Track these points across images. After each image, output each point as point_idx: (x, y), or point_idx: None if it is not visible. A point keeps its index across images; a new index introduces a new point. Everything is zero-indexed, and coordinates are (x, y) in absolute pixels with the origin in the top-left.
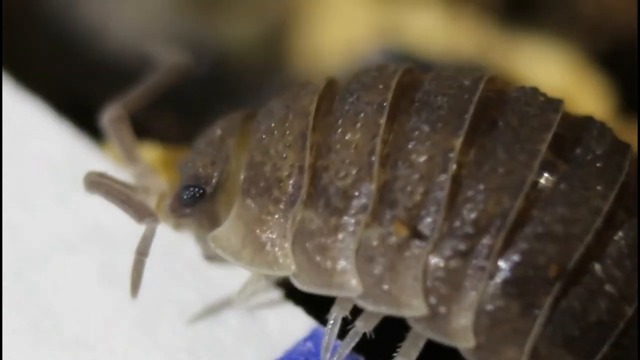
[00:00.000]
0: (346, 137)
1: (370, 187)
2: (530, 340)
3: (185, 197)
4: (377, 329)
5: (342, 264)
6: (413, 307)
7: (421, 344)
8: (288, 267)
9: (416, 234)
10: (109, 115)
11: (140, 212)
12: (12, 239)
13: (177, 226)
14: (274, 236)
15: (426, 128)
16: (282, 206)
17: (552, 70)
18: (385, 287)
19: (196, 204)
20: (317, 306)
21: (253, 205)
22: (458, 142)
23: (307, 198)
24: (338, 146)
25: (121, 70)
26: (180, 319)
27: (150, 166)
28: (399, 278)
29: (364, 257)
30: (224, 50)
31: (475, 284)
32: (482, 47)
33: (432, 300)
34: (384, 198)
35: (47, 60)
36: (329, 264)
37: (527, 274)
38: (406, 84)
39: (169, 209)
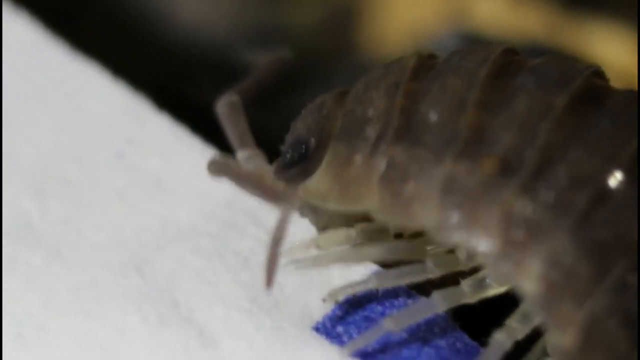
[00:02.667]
0: (446, 84)
1: (463, 125)
2: (590, 303)
3: (288, 157)
4: None
5: (425, 194)
6: (486, 242)
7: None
8: (372, 201)
9: (505, 174)
10: (224, 102)
11: (275, 196)
12: (72, 197)
13: (286, 194)
14: (359, 173)
15: (532, 86)
16: (370, 145)
17: (618, 51)
18: (465, 219)
19: (299, 163)
20: None
21: (342, 147)
22: (561, 101)
23: (396, 135)
24: (435, 90)
25: (187, 57)
26: (242, 268)
27: (259, 151)
28: (478, 213)
29: (448, 190)
30: (290, 37)
31: (554, 235)
32: (548, 29)
33: (506, 240)
34: (477, 137)
35: (113, 44)
36: (413, 194)
37: (609, 240)
38: (513, 56)
39: (275, 174)
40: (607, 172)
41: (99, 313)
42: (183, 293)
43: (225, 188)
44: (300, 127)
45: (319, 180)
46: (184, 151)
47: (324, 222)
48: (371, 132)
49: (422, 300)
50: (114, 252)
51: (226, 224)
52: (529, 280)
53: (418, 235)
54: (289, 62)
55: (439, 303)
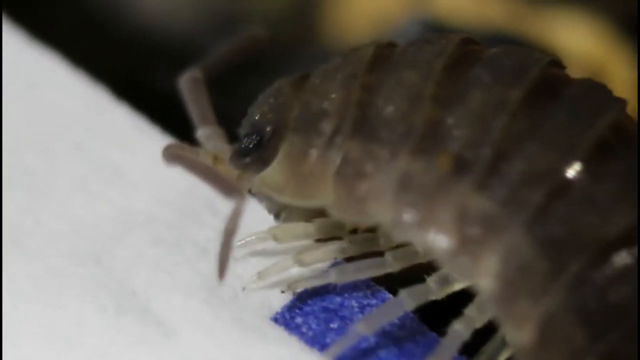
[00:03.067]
0: (401, 77)
1: (418, 120)
2: (546, 300)
3: (243, 145)
4: None
5: (380, 191)
6: (441, 240)
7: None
8: (327, 196)
9: (460, 171)
10: (187, 77)
11: (227, 188)
12: (31, 187)
13: (239, 180)
14: (315, 169)
15: (487, 79)
16: (325, 139)
17: (582, 40)
18: (420, 217)
19: (254, 151)
20: None
21: (298, 140)
22: (515, 94)
23: (352, 130)
24: (391, 84)
25: (148, 45)
26: (200, 258)
27: (220, 129)
28: (434, 209)
29: (403, 187)
30: (252, 24)
31: (510, 232)
32: (511, 17)
33: (463, 237)
34: (432, 133)
35: (76, 32)
36: (368, 191)
37: (565, 236)
38: (471, 46)
39: (229, 161)
40: (563, 166)
41: (57, 302)
42: (141, 283)
43: (184, 178)
44: (257, 114)
45: (274, 172)
46: (143, 141)
47: (279, 210)
48: (327, 125)
49: (390, 300)
50: (73, 241)
51: (184, 213)
52: (485, 278)
53: (374, 229)
54: (265, 41)
55: (407, 302)
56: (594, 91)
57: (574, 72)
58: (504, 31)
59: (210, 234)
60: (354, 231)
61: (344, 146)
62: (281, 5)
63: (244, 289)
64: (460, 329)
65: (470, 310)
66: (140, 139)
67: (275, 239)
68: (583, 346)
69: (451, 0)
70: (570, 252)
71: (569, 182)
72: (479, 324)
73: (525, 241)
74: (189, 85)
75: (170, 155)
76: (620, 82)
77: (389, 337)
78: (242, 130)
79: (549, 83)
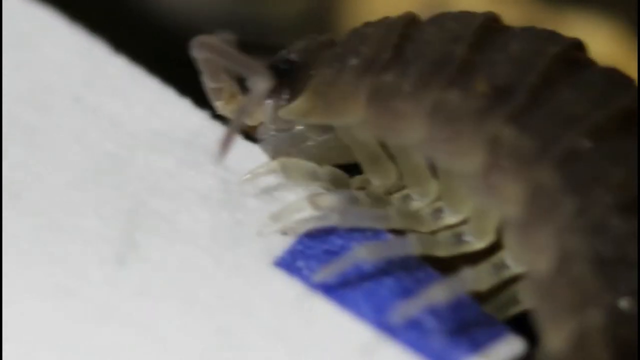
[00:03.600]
0: (443, 24)
1: (457, 53)
2: (568, 235)
3: (275, 68)
4: None
5: (415, 111)
6: (470, 163)
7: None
8: (357, 114)
9: (496, 100)
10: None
11: (253, 67)
12: (29, 141)
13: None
14: (346, 91)
15: (525, 35)
16: (358, 71)
17: (598, 43)
18: (451, 136)
19: (284, 76)
20: None
21: (330, 72)
22: (553, 49)
23: (388, 64)
24: (431, 31)
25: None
26: (201, 206)
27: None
28: (466, 134)
29: (437, 108)
30: (270, 28)
31: (539, 167)
32: (527, 20)
33: (492, 164)
34: (470, 68)
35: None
36: (402, 109)
37: (590, 180)
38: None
39: (255, 86)
40: (597, 116)
41: (58, 255)
42: (142, 232)
43: (183, 127)
44: (288, 51)
45: (301, 101)
46: (141, 92)
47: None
48: (362, 57)
49: (398, 238)
50: (72, 194)
51: (184, 162)
52: (509, 204)
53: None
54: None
55: (413, 245)
56: (619, 72)
57: None
58: None
59: (210, 182)
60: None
61: (379, 75)
62: (297, 8)
63: (258, 233)
64: (466, 278)
65: (484, 267)
66: (138, 90)
67: (284, 170)
68: (592, 294)
69: (467, 4)
70: (596, 197)
71: (599, 132)
72: (485, 285)
73: (554, 178)
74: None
75: (199, 43)
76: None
77: (390, 275)
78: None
79: (577, 58)
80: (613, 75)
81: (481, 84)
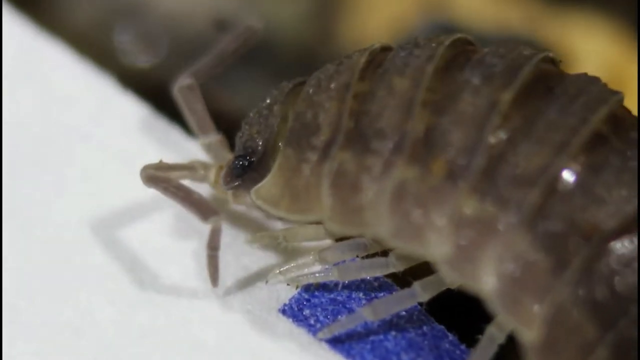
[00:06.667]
0: (392, 84)
1: (410, 128)
2: (552, 296)
3: (235, 168)
4: None
5: (376, 202)
6: (440, 246)
7: (440, 289)
8: (322, 211)
9: (454, 177)
10: (180, 85)
11: (203, 211)
12: (40, 176)
13: (235, 198)
14: (309, 183)
15: (477, 81)
16: (319, 152)
17: (599, 45)
18: (416, 226)
19: (245, 173)
20: None
21: (292, 154)
22: (506, 96)
23: (345, 142)
24: (383, 93)
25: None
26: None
27: (221, 138)
28: (430, 217)
29: (398, 196)
30: (271, 28)
31: (508, 232)
32: (529, 22)
33: (460, 242)
34: (425, 140)
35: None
36: (363, 202)
37: (565, 230)
38: (461, 46)
39: (223, 182)
40: (558, 163)
41: (66, 292)
42: (149, 273)
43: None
44: (247, 133)
45: (269, 185)
46: (149, 131)
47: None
48: (320, 138)
49: (402, 291)
50: (81, 231)
51: None
52: (487, 280)
53: None
54: (259, 34)
55: (420, 294)
56: (588, 85)
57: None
58: (520, 34)
59: None
60: None
61: (338, 158)
62: (300, 9)
63: (266, 282)
64: (494, 333)
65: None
66: (146, 128)
67: (286, 240)
68: (594, 337)
69: (468, 3)
70: (573, 246)
71: (565, 178)
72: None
73: (526, 240)
74: (183, 94)
75: (146, 177)
76: (636, 85)
77: (396, 328)
78: (236, 150)
79: (541, 81)
80: (571, 103)
81: (436, 166)
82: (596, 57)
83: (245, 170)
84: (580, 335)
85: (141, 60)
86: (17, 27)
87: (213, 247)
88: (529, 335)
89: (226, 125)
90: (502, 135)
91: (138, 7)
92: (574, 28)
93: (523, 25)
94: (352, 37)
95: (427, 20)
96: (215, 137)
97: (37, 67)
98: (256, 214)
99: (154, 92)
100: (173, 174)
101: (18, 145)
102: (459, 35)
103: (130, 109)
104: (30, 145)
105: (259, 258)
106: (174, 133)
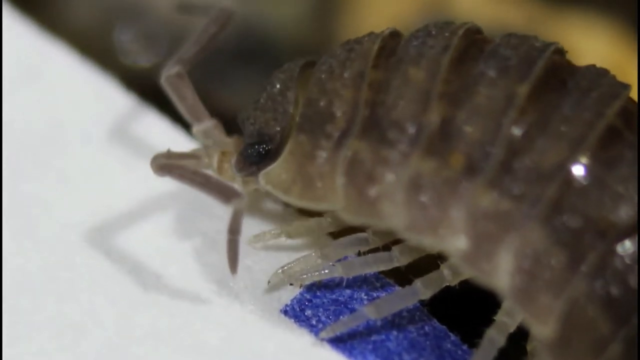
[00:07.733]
0: (408, 75)
1: (427, 120)
2: (568, 292)
3: (250, 155)
4: None
5: (392, 193)
6: (456, 239)
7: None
8: (336, 200)
9: (471, 170)
10: (167, 74)
11: (225, 193)
12: (42, 177)
13: (246, 184)
14: (323, 171)
15: (493, 73)
16: (334, 140)
17: (599, 45)
18: (432, 218)
19: (262, 161)
20: None
21: (306, 140)
22: (523, 89)
23: (361, 131)
24: (398, 82)
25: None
26: (209, 250)
27: (216, 123)
28: (447, 210)
29: (414, 188)
30: (270, 28)
31: (525, 227)
32: (528, 21)
33: (476, 235)
34: (442, 133)
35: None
36: (379, 193)
37: (580, 225)
38: (474, 36)
39: (236, 169)
40: (574, 157)
41: (69, 293)
42: (151, 274)
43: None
44: (260, 119)
45: (280, 169)
46: (150, 131)
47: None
48: (335, 127)
49: (404, 289)
50: (83, 232)
51: (194, 205)
52: (502, 275)
53: None
54: (234, 16)
55: (421, 291)
56: (599, 78)
57: None
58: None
59: (219, 226)
60: None
61: (353, 147)
62: (299, 9)
63: (268, 282)
64: (494, 336)
65: (501, 316)
66: (147, 128)
67: (289, 236)
68: (608, 333)
69: (467, 3)
70: (589, 241)
71: (581, 173)
72: (512, 328)
73: (542, 235)
74: (172, 83)
75: (158, 166)
76: (636, 84)
77: (398, 328)
78: (246, 135)
79: (554, 73)
80: (589, 93)
81: (454, 159)
82: (596, 57)
83: (261, 157)
84: (594, 330)
85: (141, 60)
86: (17, 27)
87: (234, 230)
88: (544, 330)
89: (226, 125)
90: (520, 128)
91: (138, 7)
92: (574, 28)
93: (523, 24)
94: (352, 37)
95: (427, 19)
96: (210, 123)
97: (38, 67)
98: (256, 214)
99: (155, 92)
100: (183, 162)
101: (18, 145)
102: (469, 23)
103: (130, 109)
104: (30, 145)
105: (261, 259)
106: (175, 133)
